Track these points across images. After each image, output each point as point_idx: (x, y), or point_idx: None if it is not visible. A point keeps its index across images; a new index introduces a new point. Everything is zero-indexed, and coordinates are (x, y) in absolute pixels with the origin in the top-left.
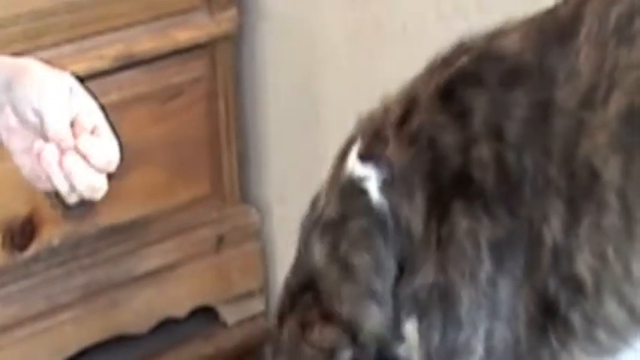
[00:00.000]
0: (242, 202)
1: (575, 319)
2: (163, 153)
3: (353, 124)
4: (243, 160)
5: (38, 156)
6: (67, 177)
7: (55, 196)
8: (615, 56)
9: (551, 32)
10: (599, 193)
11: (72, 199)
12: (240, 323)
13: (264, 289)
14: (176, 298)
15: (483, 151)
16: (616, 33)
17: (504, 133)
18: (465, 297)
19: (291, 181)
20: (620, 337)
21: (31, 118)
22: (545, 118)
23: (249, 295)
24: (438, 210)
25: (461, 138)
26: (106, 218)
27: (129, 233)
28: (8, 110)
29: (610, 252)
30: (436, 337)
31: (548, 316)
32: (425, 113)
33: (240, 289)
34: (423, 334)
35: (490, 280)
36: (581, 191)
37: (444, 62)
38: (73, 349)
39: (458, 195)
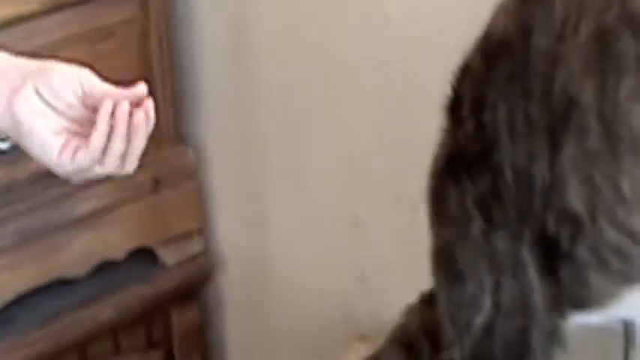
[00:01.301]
0: (178, 142)
1: (581, 251)
2: None
3: (290, 64)
4: (178, 101)
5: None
6: (130, 137)
7: None
8: None
9: None
10: (578, 118)
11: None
12: (179, 264)
13: (203, 229)
14: (114, 241)
15: (468, 127)
16: None
17: (485, 100)
18: (461, 254)
19: (226, 121)
20: (631, 261)
21: (70, 99)
22: (524, 65)
23: (187, 235)
24: (435, 197)
25: (452, 128)
26: (39, 163)
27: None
28: (29, 92)
29: (597, 176)
30: (443, 297)
31: (555, 256)
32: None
33: (178, 230)
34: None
35: (484, 234)
36: (560, 121)
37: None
38: (11, 294)
39: (449, 176)
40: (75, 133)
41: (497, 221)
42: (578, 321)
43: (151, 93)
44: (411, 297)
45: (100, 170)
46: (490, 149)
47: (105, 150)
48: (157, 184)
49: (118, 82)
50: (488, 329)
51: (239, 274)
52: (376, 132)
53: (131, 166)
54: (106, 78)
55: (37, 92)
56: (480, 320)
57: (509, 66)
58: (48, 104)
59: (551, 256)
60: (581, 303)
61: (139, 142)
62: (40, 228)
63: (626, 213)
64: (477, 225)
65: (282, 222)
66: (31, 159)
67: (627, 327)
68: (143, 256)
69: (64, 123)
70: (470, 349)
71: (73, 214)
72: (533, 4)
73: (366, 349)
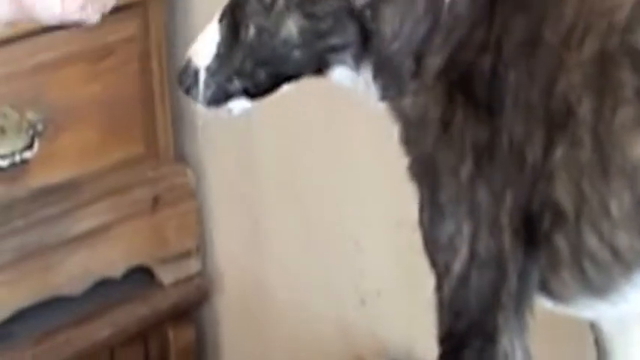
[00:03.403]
0: (177, 161)
1: (560, 241)
2: (96, 113)
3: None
4: (178, 119)
5: None
6: None
7: None
8: (591, 2)
9: None
10: (573, 128)
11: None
12: (176, 283)
13: (201, 249)
14: (111, 259)
15: (486, 59)
16: None
17: (502, 49)
18: (446, 186)
19: (226, 140)
20: (608, 276)
21: None
22: (534, 47)
23: (185, 255)
24: (443, 109)
25: (482, 39)
26: (38, 180)
27: (62, 194)
28: None
29: (585, 184)
30: (425, 220)
31: (533, 233)
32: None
33: (176, 249)
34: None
35: (470, 178)
36: (557, 123)
37: None
38: (8, 311)
39: (461, 88)
40: None
41: (486, 174)
42: (544, 305)
43: (151, 112)
44: (410, 321)
45: None
46: (496, 103)
47: None
48: (155, 202)
49: (117, 100)
50: (464, 278)
51: (236, 294)
52: (377, 153)
53: None
54: (106, 96)
55: None
56: (457, 266)
57: (525, 25)
58: None
59: (531, 232)
60: (549, 291)
61: None
62: (39, 245)
63: (611, 228)
64: (468, 167)
65: (280, 243)
66: (30, 176)
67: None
68: (141, 274)
69: None
70: (449, 297)
71: (71, 231)
72: None
73: None
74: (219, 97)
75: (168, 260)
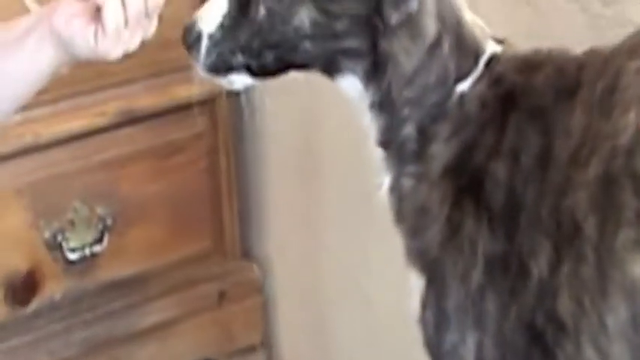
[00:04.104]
0: (243, 257)
1: (560, 356)
2: (164, 209)
3: (353, 181)
4: (245, 216)
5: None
6: None
7: (58, 249)
8: (597, 124)
9: (564, 82)
10: (579, 244)
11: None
12: None
13: (266, 344)
14: (178, 353)
15: (500, 168)
16: (599, 103)
17: (520, 161)
18: (454, 293)
19: (292, 237)
20: None
21: None
22: (546, 164)
23: (250, 349)
24: (453, 194)
25: (492, 144)
26: (107, 273)
27: (130, 288)
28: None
29: (586, 301)
30: (429, 321)
31: (537, 347)
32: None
33: (241, 344)
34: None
35: (480, 288)
36: (564, 239)
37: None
38: None
39: (471, 194)
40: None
41: (495, 284)
42: None
43: (218, 208)
44: None
45: (130, 37)
46: (514, 216)
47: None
48: (222, 297)
49: (185, 196)
50: None
51: None
52: None
53: (153, 25)
54: (174, 192)
55: None
56: None
57: (540, 139)
58: None
59: (533, 347)
60: None
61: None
62: (106, 338)
63: (608, 343)
64: (478, 275)
65: (345, 338)
66: (99, 270)
67: None
68: None
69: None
70: None
71: (138, 325)
72: (563, 88)
73: None
74: (220, 67)
75: (234, 354)
